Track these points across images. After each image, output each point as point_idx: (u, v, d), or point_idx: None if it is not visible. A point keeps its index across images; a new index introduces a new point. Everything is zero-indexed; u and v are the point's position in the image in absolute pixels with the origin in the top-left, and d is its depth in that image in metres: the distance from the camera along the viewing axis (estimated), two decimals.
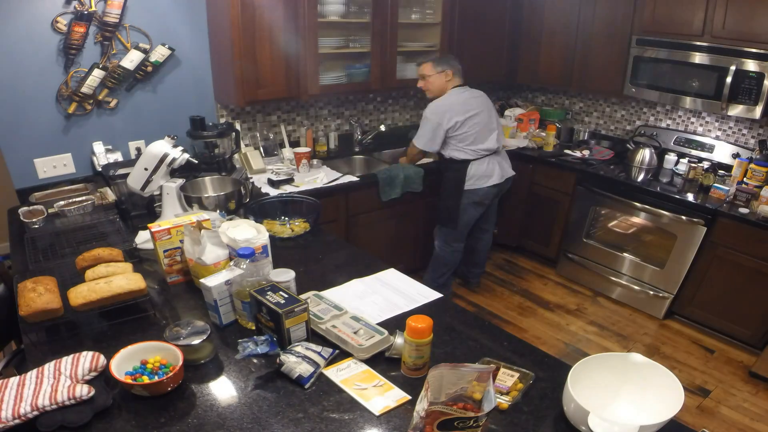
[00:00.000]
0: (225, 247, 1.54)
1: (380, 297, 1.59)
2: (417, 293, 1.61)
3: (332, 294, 1.59)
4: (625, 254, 3.25)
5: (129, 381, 1.13)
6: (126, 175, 2.00)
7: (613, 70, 3.26)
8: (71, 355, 1.21)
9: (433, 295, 1.60)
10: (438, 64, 2.82)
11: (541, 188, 3.60)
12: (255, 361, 1.29)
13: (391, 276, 1.72)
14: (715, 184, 2.87)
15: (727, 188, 2.82)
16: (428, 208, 3.31)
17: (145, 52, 2.50)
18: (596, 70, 3.36)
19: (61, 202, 2.11)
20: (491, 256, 3.93)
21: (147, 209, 2.13)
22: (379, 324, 1.44)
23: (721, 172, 2.99)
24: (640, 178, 3.16)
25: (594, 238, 3.40)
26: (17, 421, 1.05)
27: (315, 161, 3.03)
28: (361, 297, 1.60)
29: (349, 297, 1.60)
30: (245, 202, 2.21)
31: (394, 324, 1.42)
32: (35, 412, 1.06)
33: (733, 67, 2.70)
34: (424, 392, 0.96)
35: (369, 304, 1.56)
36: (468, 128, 2.79)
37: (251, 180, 2.62)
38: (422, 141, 2.85)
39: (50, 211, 2.10)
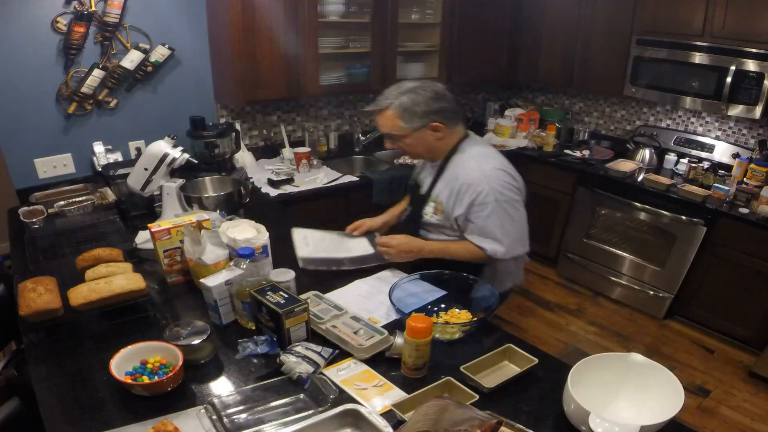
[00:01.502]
0: (225, 247, 1.55)
1: (386, 297, 1.58)
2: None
3: (337, 296, 1.59)
4: (625, 254, 3.25)
5: (129, 381, 1.13)
6: (126, 175, 2.00)
7: (614, 70, 3.26)
8: None
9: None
10: (410, 116, 1.59)
11: (541, 188, 3.59)
12: (255, 361, 1.29)
13: (393, 276, 1.72)
14: (715, 184, 2.87)
15: (727, 188, 2.82)
16: None
17: (145, 52, 2.50)
18: (596, 70, 3.36)
19: (61, 202, 2.11)
20: None
21: (147, 209, 2.13)
22: (390, 323, 1.45)
23: (721, 172, 2.99)
24: (640, 178, 3.16)
25: (594, 238, 3.39)
26: None
27: (315, 161, 3.02)
28: (367, 297, 1.60)
29: (356, 298, 1.60)
30: (245, 202, 2.21)
31: (404, 323, 1.42)
32: None
33: (733, 67, 2.70)
34: (417, 415, 0.93)
35: (377, 305, 1.56)
36: None
37: (251, 180, 2.62)
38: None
39: (50, 211, 2.10)
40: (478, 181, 1.58)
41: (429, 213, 1.75)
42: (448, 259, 1.66)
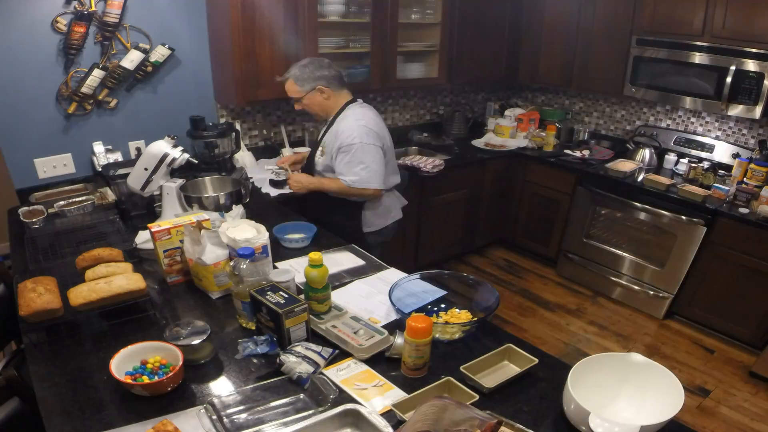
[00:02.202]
0: (225, 247, 1.54)
1: (386, 297, 1.59)
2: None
3: (337, 295, 1.59)
4: (625, 254, 3.25)
5: (129, 381, 1.13)
6: (126, 175, 2.00)
7: (613, 70, 3.26)
8: None
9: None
10: (303, 81, 2.16)
11: (541, 188, 3.60)
12: (255, 361, 1.29)
13: (393, 276, 1.72)
14: (715, 184, 2.87)
15: (727, 188, 2.82)
16: (428, 209, 3.31)
17: (145, 52, 2.50)
18: (596, 70, 3.36)
19: (61, 202, 2.11)
20: (492, 256, 3.94)
21: (147, 209, 2.13)
22: (390, 323, 1.45)
23: (721, 172, 2.99)
24: (640, 178, 3.16)
25: (594, 238, 3.39)
26: None
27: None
28: (367, 297, 1.60)
29: (355, 298, 1.60)
30: (245, 202, 2.21)
31: (404, 323, 1.42)
32: None
33: (733, 67, 2.70)
34: (417, 415, 0.93)
35: (377, 305, 1.56)
36: (389, 159, 2.28)
37: (251, 180, 2.62)
38: (377, 176, 2.14)
39: (50, 211, 2.10)
40: (350, 131, 2.12)
41: (317, 155, 2.30)
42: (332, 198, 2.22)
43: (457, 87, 3.97)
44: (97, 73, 2.40)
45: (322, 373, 1.23)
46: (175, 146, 1.94)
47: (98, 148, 2.52)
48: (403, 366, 1.25)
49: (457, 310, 1.51)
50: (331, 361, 1.28)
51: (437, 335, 1.37)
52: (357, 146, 2.10)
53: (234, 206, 1.99)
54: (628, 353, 1.16)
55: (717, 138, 3.23)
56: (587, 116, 3.92)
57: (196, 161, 2.03)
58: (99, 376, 1.22)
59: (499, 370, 1.28)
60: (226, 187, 2.15)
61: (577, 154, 3.47)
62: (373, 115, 2.25)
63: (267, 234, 1.59)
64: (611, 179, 3.18)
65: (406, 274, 1.65)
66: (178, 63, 2.68)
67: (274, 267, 1.69)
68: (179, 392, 1.18)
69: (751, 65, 2.65)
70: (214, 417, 1.08)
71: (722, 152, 3.16)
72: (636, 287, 3.24)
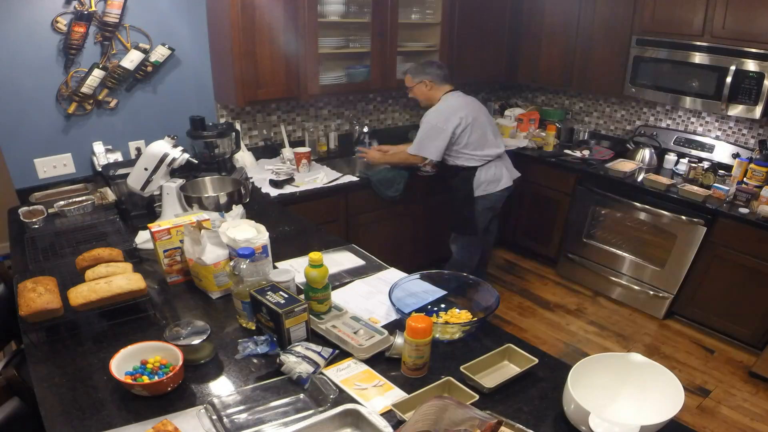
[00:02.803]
0: (225, 247, 1.54)
1: (386, 297, 1.59)
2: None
3: (337, 295, 1.59)
4: (625, 254, 3.25)
5: (129, 381, 1.13)
6: (126, 175, 2.00)
7: (613, 70, 3.26)
8: None
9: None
10: (414, 75, 2.78)
11: (541, 188, 3.60)
12: (255, 361, 1.29)
13: (393, 276, 1.72)
14: (715, 184, 2.87)
15: (727, 188, 2.82)
16: (429, 209, 3.31)
17: (145, 52, 2.50)
18: (596, 70, 3.36)
19: (61, 202, 2.11)
20: (492, 256, 3.94)
21: (147, 209, 2.13)
22: (390, 323, 1.45)
23: (721, 172, 2.99)
24: (640, 178, 3.16)
25: (594, 238, 3.40)
26: None
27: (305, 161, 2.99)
28: (366, 297, 1.61)
29: (355, 298, 1.60)
30: (245, 202, 2.21)
31: (404, 323, 1.42)
32: None
33: (733, 67, 2.70)
34: (417, 415, 0.93)
35: (377, 305, 1.56)
36: (471, 133, 2.74)
37: (251, 180, 2.62)
38: (429, 149, 2.74)
39: (50, 211, 2.10)
40: (428, 114, 2.77)
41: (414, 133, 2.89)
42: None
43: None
44: (97, 73, 2.41)
45: (322, 373, 1.24)
46: (175, 146, 1.94)
47: (98, 148, 2.52)
48: (403, 366, 1.25)
49: (457, 310, 1.51)
50: (331, 361, 1.28)
51: (437, 335, 1.37)
52: (425, 123, 2.74)
53: (234, 206, 1.99)
54: (628, 353, 1.16)
55: (717, 138, 3.23)
56: (587, 116, 3.92)
57: (196, 161, 2.03)
58: (99, 376, 1.22)
59: (499, 370, 1.28)
60: (226, 187, 2.15)
61: (577, 154, 3.47)
62: (453, 104, 2.75)
63: (267, 234, 1.59)
64: (611, 179, 3.18)
65: (406, 274, 1.65)
66: (178, 63, 2.68)
67: (274, 267, 1.69)
68: (179, 392, 1.18)
69: (751, 65, 2.65)
70: (214, 417, 1.08)
71: (722, 152, 3.16)
72: (636, 287, 3.24)
